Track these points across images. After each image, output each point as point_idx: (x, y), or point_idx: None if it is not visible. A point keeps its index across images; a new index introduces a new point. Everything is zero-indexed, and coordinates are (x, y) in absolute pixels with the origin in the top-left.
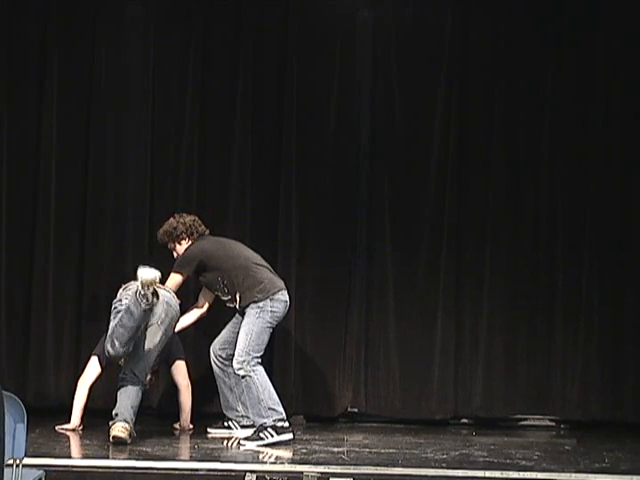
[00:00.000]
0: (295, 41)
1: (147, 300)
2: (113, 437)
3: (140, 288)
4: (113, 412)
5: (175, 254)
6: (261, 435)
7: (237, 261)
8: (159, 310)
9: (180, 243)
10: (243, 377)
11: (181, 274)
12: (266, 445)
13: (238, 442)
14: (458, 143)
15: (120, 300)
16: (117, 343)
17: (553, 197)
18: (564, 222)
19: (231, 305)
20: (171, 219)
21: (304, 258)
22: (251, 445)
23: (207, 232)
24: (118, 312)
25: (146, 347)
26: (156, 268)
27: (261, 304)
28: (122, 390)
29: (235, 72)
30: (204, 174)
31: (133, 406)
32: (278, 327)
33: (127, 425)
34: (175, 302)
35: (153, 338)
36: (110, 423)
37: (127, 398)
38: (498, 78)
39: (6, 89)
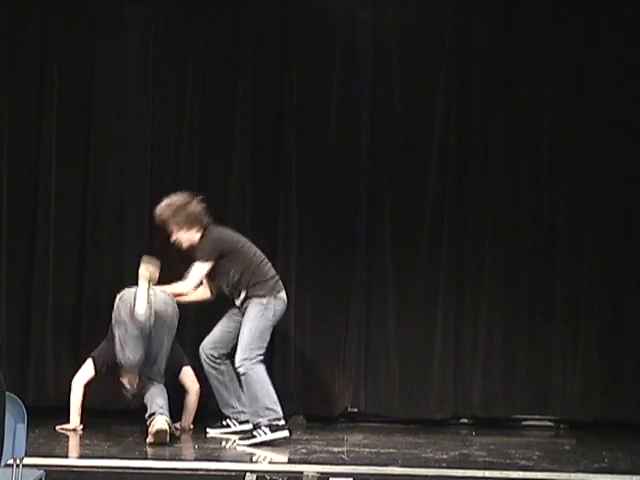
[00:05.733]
0: (295, 41)
1: (143, 314)
2: (157, 430)
3: (141, 287)
4: (147, 415)
5: (176, 238)
6: (254, 434)
7: (249, 255)
8: (160, 315)
9: (190, 229)
10: (243, 374)
11: (208, 262)
12: (260, 443)
13: (234, 443)
14: (458, 143)
15: (118, 311)
16: (127, 350)
17: (553, 197)
18: (564, 222)
19: (233, 297)
20: (193, 202)
21: (304, 258)
22: (244, 443)
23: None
24: (118, 323)
25: (154, 352)
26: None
27: (265, 301)
28: (147, 396)
29: (235, 72)
30: (204, 174)
31: (164, 405)
32: (278, 327)
33: (167, 418)
34: (172, 301)
35: (160, 343)
36: (148, 422)
37: (156, 396)
38: (498, 78)
39: (6, 89)
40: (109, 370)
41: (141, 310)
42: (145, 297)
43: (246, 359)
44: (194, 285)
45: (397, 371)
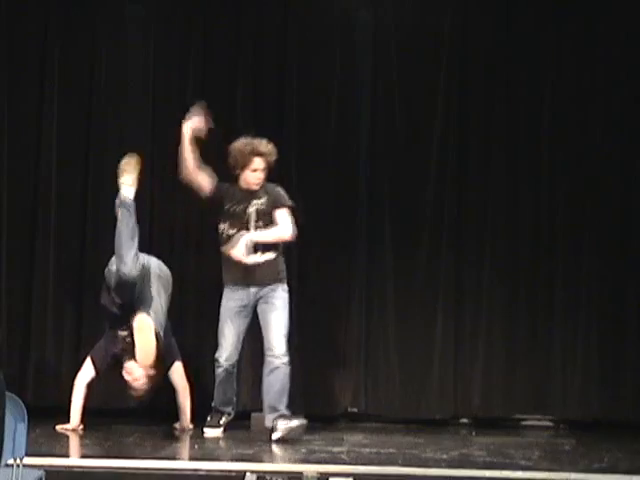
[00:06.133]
0: (295, 41)
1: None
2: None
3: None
4: None
5: (262, 178)
6: (280, 426)
7: None
8: (155, 266)
9: (269, 171)
10: (282, 364)
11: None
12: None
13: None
14: (458, 143)
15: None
16: (123, 256)
17: (553, 197)
18: (564, 221)
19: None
20: None
21: (304, 258)
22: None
23: None
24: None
25: (154, 308)
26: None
27: (287, 288)
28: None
29: (235, 72)
30: None
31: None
32: None
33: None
34: (165, 267)
35: (156, 298)
36: None
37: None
38: (498, 78)
39: (6, 89)
40: (110, 368)
41: (127, 191)
42: (133, 180)
43: (289, 348)
44: (293, 230)
45: (397, 371)
